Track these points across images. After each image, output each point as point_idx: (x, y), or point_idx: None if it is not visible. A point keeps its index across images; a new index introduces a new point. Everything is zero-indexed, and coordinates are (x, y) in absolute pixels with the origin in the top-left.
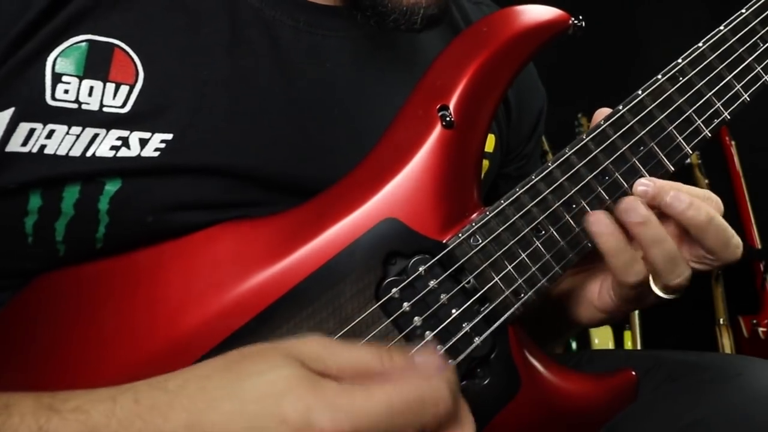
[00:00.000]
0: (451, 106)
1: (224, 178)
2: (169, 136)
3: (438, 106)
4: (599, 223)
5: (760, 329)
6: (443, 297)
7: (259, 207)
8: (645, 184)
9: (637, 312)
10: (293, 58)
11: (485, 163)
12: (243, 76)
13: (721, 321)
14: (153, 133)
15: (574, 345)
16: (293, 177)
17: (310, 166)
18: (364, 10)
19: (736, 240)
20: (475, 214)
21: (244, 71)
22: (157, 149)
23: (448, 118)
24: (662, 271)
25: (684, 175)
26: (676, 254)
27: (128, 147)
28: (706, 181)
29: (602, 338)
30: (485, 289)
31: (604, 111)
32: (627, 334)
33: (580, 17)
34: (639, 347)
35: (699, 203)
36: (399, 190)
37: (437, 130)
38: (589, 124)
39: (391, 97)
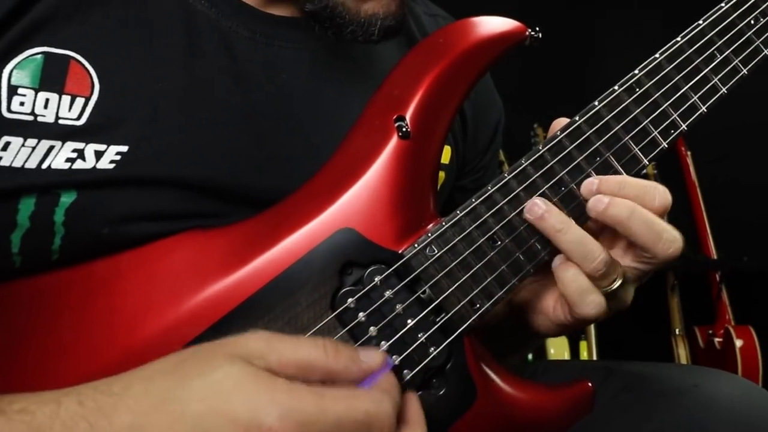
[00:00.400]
0: (408, 116)
1: (180, 190)
2: (124, 149)
3: (394, 117)
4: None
5: (716, 339)
6: (399, 307)
7: (215, 218)
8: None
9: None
10: (250, 69)
11: (441, 174)
12: (199, 87)
13: (677, 331)
14: (108, 146)
15: (530, 355)
16: (249, 188)
17: (266, 177)
18: (322, 21)
19: (670, 234)
20: (431, 225)
21: (200, 83)
22: (112, 161)
23: (404, 129)
24: (576, 253)
25: None
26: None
27: (84, 159)
28: None
29: (558, 348)
30: (441, 299)
31: (561, 121)
32: (583, 345)
33: (537, 28)
34: (595, 357)
35: (620, 201)
36: (355, 201)
37: (393, 140)
38: (545, 134)
39: (348, 108)
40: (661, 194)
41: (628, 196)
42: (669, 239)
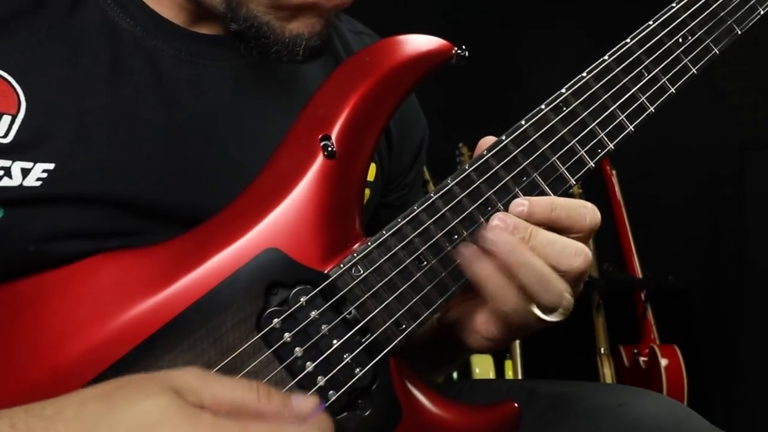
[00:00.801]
0: (333, 136)
1: (106, 208)
2: (50, 166)
3: (320, 136)
4: (466, 254)
5: (641, 359)
6: (324, 328)
7: (141, 236)
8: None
9: (518, 341)
10: (174, 87)
11: (367, 192)
12: (124, 105)
13: (602, 351)
14: (35, 163)
15: (455, 374)
16: (174, 206)
17: (192, 195)
18: (247, 41)
19: (573, 249)
20: (357, 245)
21: (125, 100)
22: (39, 179)
23: (329, 148)
24: (536, 293)
25: None
26: (547, 274)
27: (10, 177)
28: None
29: (483, 368)
30: (366, 320)
31: (488, 140)
32: (508, 364)
33: (463, 47)
34: (520, 377)
35: (504, 238)
36: (281, 220)
37: (319, 160)
38: (471, 153)
39: (273, 126)
40: (591, 214)
41: (560, 218)
42: (572, 253)
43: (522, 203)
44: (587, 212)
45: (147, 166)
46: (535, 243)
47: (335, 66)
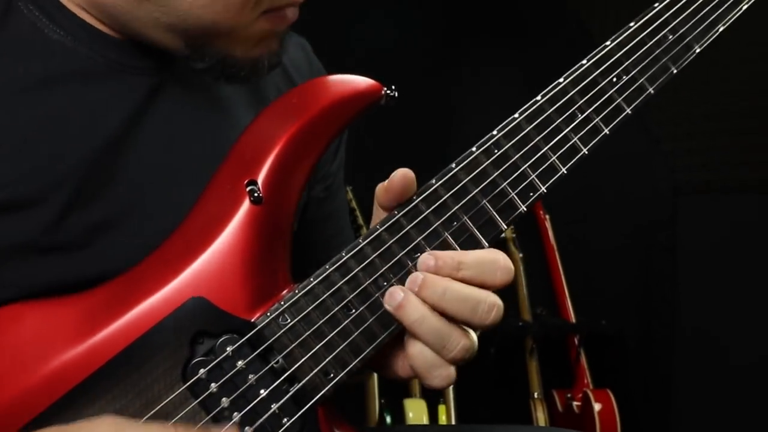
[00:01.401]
0: (260, 181)
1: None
2: None
3: (246, 181)
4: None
5: (575, 403)
6: (251, 377)
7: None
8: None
9: (451, 386)
10: (104, 96)
11: None
12: (56, 116)
13: (536, 395)
14: None
15: (388, 419)
16: (99, 215)
17: (117, 202)
18: (216, 74)
19: (486, 305)
20: (284, 291)
21: (57, 111)
22: None
23: (256, 194)
24: (434, 346)
25: (498, 248)
26: (442, 329)
27: None
28: (521, 255)
29: (416, 413)
30: (293, 368)
31: (402, 172)
32: (441, 409)
33: (393, 87)
34: (453, 422)
35: (413, 304)
36: (206, 268)
37: (245, 205)
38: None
39: (203, 136)
40: (502, 269)
41: (468, 276)
42: (484, 309)
43: (429, 258)
44: (498, 268)
45: (77, 174)
46: (446, 299)
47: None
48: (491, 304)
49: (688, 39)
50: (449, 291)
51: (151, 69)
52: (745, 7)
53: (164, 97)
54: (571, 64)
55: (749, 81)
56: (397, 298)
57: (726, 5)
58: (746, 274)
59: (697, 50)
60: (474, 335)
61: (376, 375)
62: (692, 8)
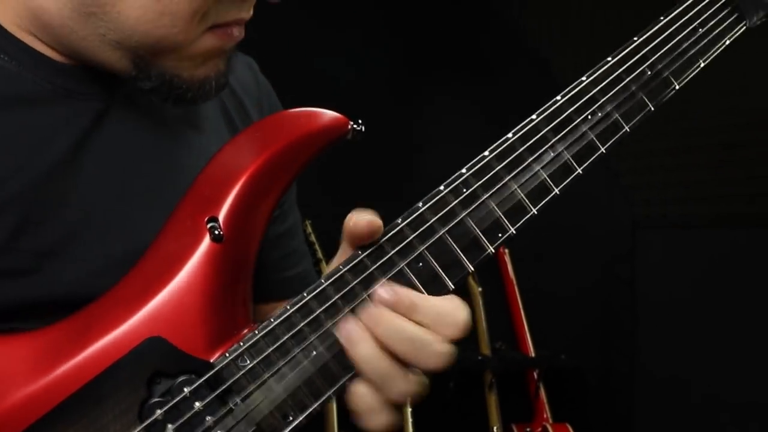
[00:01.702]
0: (221, 218)
1: None
2: None
3: (207, 218)
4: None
5: None
6: (209, 419)
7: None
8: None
9: (410, 420)
10: (51, 122)
11: None
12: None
13: (495, 429)
14: None
15: None
16: (47, 236)
17: (58, 224)
18: (162, 95)
19: (435, 348)
20: (244, 332)
21: (3, 139)
22: None
23: (216, 231)
24: (377, 386)
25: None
26: (387, 369)
27: None
28: (480, 289)
29: None
30: (252, 410)
31: (369, 221)
32: None
33: (360, 121)
34: None
35: (363, 345)
36: (164, 307)
37: (205, 243)
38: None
39: (152, 159)
40: (455, 326)
41: (422, 322)
42: (435, 353)
43: (386, 292)
44: (452, 324)
45: (24, 199)
46: (396, 339)
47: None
48: (439, 351)
49: (666, 74)
50: (401, 331)
51: (98, 94)
52: (728, 42)
53: (111, 122)
54: (531, 99)
55: (709, 116)
56: (351, 331)
57: (707, 40)
58: (705, 308)
59: (677, 87)
60: (421, 378)
61: (335, 405)
62: (672, 43)
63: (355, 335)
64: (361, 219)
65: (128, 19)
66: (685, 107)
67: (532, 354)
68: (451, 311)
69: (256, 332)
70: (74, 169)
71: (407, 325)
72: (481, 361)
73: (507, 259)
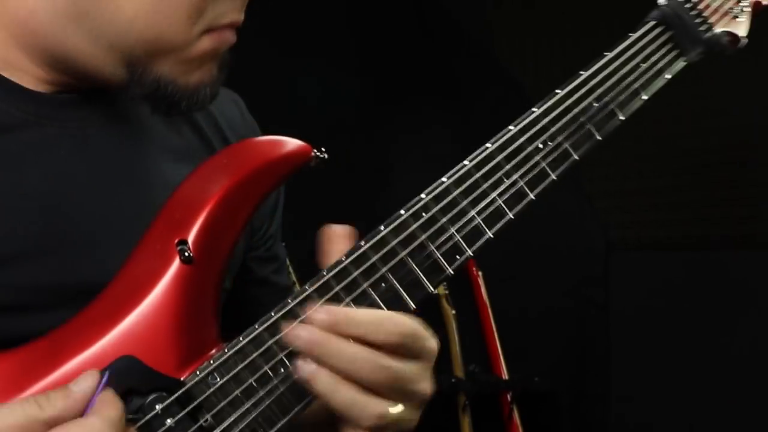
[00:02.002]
0: (190, 240)
1: None
2: None
3: (176, 241)
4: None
5: None
6: None
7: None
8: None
9: None
10: (22, 150)
11: None
12: None
13: None
14: None
15: None
16: (23, 275)
17: (42, 262)
18: (155, 102)
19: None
20: (213, 350)
21: None
22: None
23: (186, 253)
24: (348, 414)
25: (431, 305)
26: (353, 397)
27: None
28: (453, 311)
29: None
30: (222, 427)
31: (336, 230)
32: None
33: (323, 149)
34: None
35: (323, 376)
36: (135, 327)
37: (175, 265)
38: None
39: (124, 188)
40: (387, 332)
41: (356, 334)
42: (379, 411)
43: (319, 313)
44: (383, 331)
45: None
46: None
47: (191, 129)
48: (383, 364)
49: (612, 107)
50: (351, 356)
51: (72, 121)
52: (668, 77)
53: (87, 149)
54: (505, 123)
55: (681, 139)
56: (305, 371)
57: (649, 75)
58: (680, 331)
59: (622, 118)
60: (398, 406)
61: None
62: (617, 77)
63: (308, 374)
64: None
65: (123, 18)
66: (659, 129)
67: (506, 376)
68: (379, 320)
69: (226, 350)
70: (50, 198)
71: (351, 347)
72: (455, 383)
73: (481, 282)
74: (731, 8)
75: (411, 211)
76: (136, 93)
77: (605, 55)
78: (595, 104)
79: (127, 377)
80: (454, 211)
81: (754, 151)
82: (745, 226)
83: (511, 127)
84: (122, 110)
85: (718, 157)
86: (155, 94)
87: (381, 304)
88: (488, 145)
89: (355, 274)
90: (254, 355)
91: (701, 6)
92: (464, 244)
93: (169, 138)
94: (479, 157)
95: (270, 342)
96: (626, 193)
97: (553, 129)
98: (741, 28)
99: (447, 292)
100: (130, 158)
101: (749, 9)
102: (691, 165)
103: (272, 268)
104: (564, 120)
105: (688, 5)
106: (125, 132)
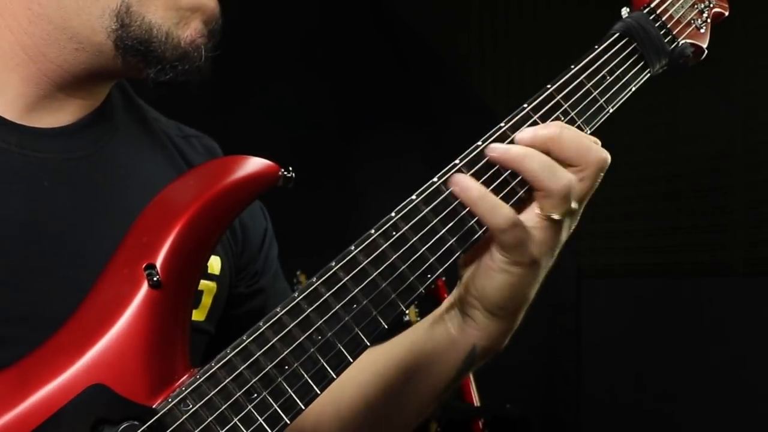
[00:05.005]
0: (158, 264)
1: None
2: None
3: (144, 265)
4: (458, 183)
5: None
6: None
7: None
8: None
9: None
10: (6, 181)
11: (212, 285)
12: None
13: None
14: None
15: None
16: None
17: (23, 291)
18: (148, 60)
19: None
20: (185, 377)
21: None
22: None
23: (155, 278)
24: (543, 180)
25: (401, 330)
26: (547, 160)
27: None
28: None
29: None
30: None
31: None
32: None
33: (290, 168)
34: None
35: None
36: (104, 354)
37: (144, 289)
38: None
39: (106, 220)
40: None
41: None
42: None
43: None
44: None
45: None
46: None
47: (172, 167)
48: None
49: (578, 121)
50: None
51: (54, 152)
52: (633, 89)
53: (69, 180)
54: (467, 146)
55: (652, 166)
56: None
57: (615, 87)
58: (650, 357)
59: (588, 132)
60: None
61: None
62: (582, 91)
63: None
64: None
65: None
66: (628, 157)
67: (477, 403)
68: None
69: (198, 377)
70: (29, 228)
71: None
72: None
73: None
74: (693, 19)
75: (381, 231)
76: (126, 43)
77: (571, 68)
78: (562, 118)
79: (98, 406)
80: (425, 230)
81: (725, 177)
82: (715, 253)
83: (479, 143)
84: (105, 144)
85: (688, 185)
86: (149, 48)
87: (353, 325)
88: (457, 161)
89: (327, 295)
90: (227, 380)
91: (665, 18)
92: (435, 262)
93: (151, 172)
94: (448, 174)
95: (242, 367)
96: (597, 221)
97: (496, 167)
98: (704, 39)
99: (419, 318)
100: (112, 191)
101: (710, 20)
102: (662, 192)
103: (251, 305)
104: None
105: (652, 17)
106: (107, 165)
